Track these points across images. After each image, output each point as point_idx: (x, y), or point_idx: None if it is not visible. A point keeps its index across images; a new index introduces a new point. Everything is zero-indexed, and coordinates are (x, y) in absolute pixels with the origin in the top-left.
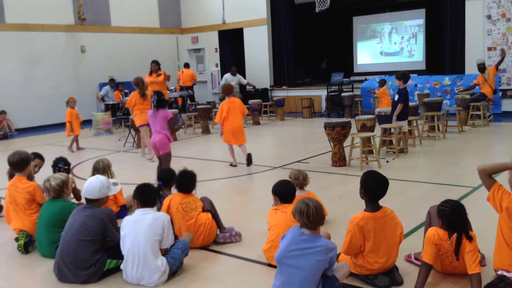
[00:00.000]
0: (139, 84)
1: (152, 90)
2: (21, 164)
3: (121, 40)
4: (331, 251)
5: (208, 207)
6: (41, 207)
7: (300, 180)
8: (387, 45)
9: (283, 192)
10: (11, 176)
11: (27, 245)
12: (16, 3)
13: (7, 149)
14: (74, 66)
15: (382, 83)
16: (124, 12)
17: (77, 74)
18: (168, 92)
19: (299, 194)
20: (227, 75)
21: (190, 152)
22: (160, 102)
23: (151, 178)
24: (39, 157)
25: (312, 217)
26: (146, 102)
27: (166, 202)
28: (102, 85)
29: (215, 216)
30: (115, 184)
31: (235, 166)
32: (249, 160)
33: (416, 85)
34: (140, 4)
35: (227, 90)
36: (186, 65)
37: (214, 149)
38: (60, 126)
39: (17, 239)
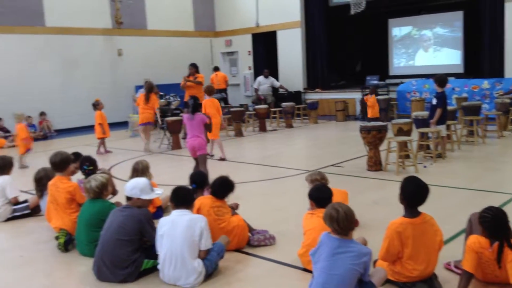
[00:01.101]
0: (146, 87)
1: (189, 93)
2: (62, 164)
3: (157, 44)
4: (365, 255)
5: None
6: (81, 207)
7: (319, 180)
8: (424, 47)
9: (320, 196)
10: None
11: (67, 243)
12: (55, 7)
13: (47, 149)
14: (111, 69)
15: (372, 91)
16: (159, 16)
17: (114, 77)
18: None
19: None
20: (260, 78)
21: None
22: (196, 107)
23: (187, 179)
24: (79, 158)
25: (342, 222)
26: (149, 105)
27: (196, 203)
28: (138, 88)
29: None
30: (156, 193)
31: (212, 156)
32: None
33: (454, 89)
34: (175, 8)
35: (208, 91)
36: (217, 69)
37: (247, 151)
38: None
39: (57, 238)
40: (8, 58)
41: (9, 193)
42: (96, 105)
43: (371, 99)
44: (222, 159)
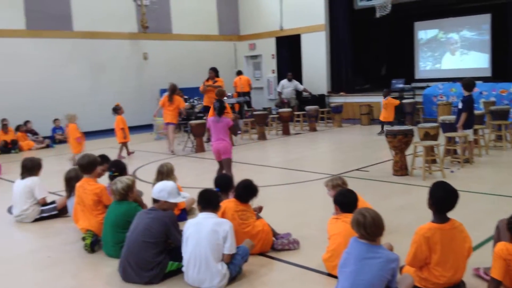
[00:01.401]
0: (170, 88)
1: (208, 97)
2: (89, 167)
3: (182, 47)
4: (393, 262)
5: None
6: (108, 208)
7: (341, 185)
8: (451, 51)
9: (345, 201)
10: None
11: (93, 244)
12: (83, 12)
13: None
14: (137, 73)
15: (386, 93)
16: (184, 20)
17: (139, 81)
18: (225, 98)
19: None
20: (284, 81)
21: (246, 157)
22: (222, 110)
23: (211, 182)
24: (107, 161)
25: (369, 228)
26: (173, 105)
27: (221, 207)
28: (162, 91)
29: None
30: (183, 197)
31: None
32: None
33: (481, 93)
34: (200, 12)
35: (219, 94)
36: (240, 73)
37: (270, 155)
38: None
39: (83, 239)
40: (37, 62)
41: (37, 194)
42: (117, 110)
43: (385, 102)
44: None
